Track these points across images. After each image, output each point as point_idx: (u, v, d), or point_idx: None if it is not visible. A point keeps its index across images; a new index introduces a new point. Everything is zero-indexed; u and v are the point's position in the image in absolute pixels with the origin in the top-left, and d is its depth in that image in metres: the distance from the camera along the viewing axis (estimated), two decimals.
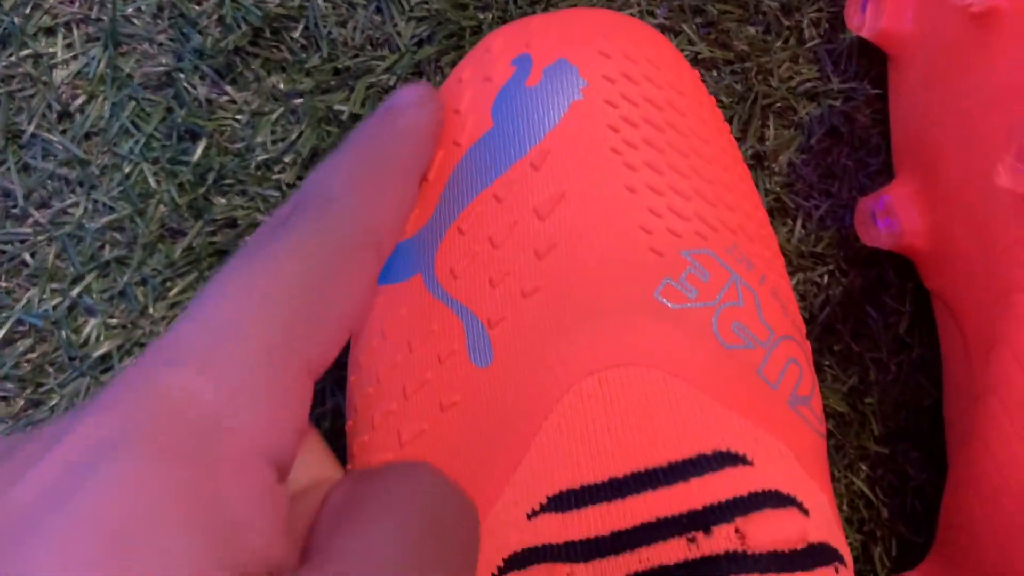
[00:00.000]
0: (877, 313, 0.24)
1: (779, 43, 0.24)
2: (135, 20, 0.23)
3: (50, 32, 0.23)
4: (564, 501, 0.15)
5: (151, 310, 0.23)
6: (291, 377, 0.13)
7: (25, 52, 0.23)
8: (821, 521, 0.16)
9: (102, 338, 0.22)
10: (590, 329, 0.16)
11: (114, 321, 0.23)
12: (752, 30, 0.24)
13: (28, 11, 0.23)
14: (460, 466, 0.16)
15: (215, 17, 0.23)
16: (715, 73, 0.24)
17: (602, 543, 0.15)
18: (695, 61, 0.24)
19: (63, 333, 0.22)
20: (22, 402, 0.22)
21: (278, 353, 0.13)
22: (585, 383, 0.16)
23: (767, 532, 0.15)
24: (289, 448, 0.13)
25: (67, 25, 0.23)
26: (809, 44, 0.24)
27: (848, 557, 0.17)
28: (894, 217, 0.22)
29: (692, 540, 0.15)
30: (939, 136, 0.21)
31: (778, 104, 0.24)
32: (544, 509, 0.15)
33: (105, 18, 0.23)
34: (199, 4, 0.23)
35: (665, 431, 0.15)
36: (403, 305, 0.18)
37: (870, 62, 0.24)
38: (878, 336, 0.24)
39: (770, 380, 0.17)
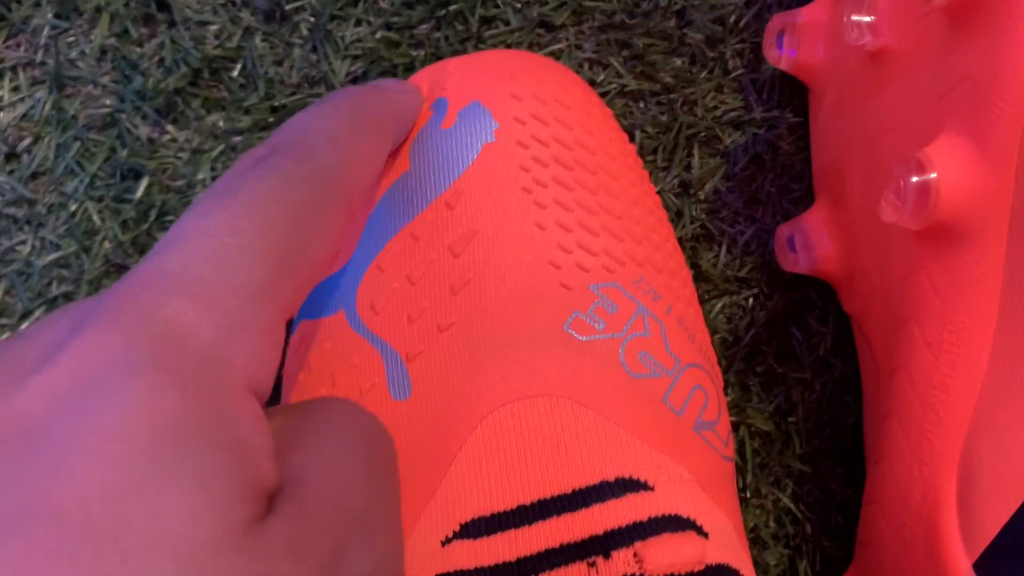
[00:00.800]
0: (801, 334, 0.24)
1: (704, 74, 0.25)
2: (79, 63, 0.24)
3: None
4: (475, 528, 0.16)
5: None
6: (273, 317, 0.14)
7: None
8: (721, 543, 0.17)
9: None
10: (503, 361, 0.17)
11: None
12: (678, 62, 0.25)
13: None
14: None
15: (156, 59, 0.24)
16: (642, 104, 0.25)
17: (508, 569, 0.15)
18: (622, 93, 0.25)
19: None
20: None
21: (262, 293, 0.13)
22: (498, 414, 0.16)
23: (664, 555, 0.15)
24: (268, 385, 0.14)
25: (13, 69, 0.24)
26: (733, 74, 0.25)
27: (750, 573, 0.18)
28: (809, 243, 0.23)
29: (592, 564, 0.15)
30: (846, 162, 0.22)
31: (703, 133, 0.25)
32: (457, 536, 0.16)
33: (50, 61, 0.24)
34: (140, 47, 0.24)
35: (571, 459, 0.16)
36: (327, 339, 0.19)
37: (792, 91, 0.25)
38: (802, 357, 0.24)
39: (675, 407, 0.17)
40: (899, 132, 0.20)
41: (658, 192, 0.24)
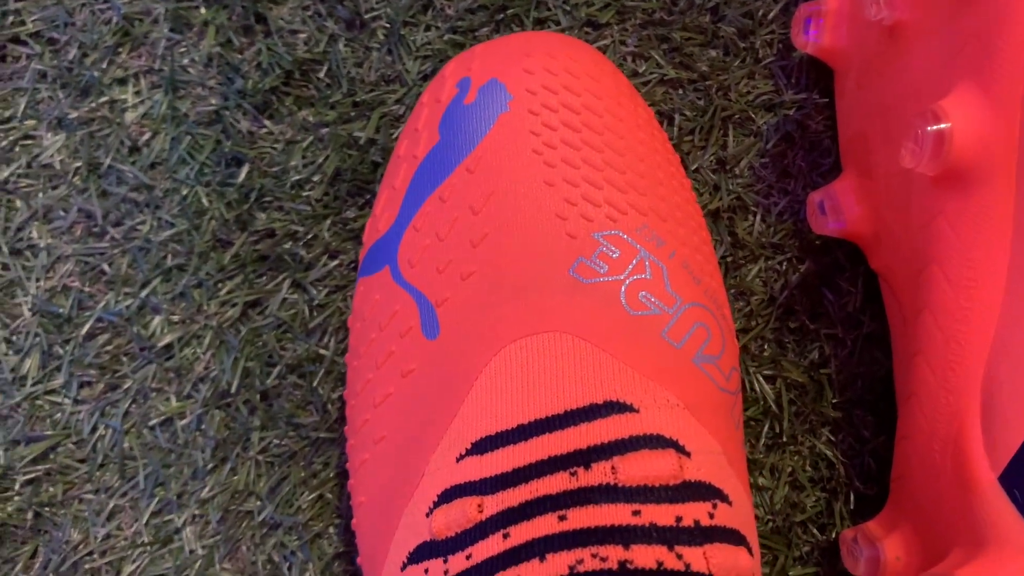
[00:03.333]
0: (832, 295, 0.25)
1: (736, 63, 0.26)
2: (190, 69, 0.26)
3: (122, 82, 0.26)
4: (482, 445, 0.17)
5: (205, 307, 0.25)
6: None
7: (102, 99, 0.26)
8: (704, 463, 0.17)
9: (166, 331, 0.25)
10: (515, 304, 0.18)
11: (175, 317, 0.25)
12: (712, 52, 0.26)
13: (104, 66, 0.26)
14: (415, 421, 0.18)
15: (254, 63, 0.26)
16: (680, 91, 0.26)
17: (505, 478, 0.16)
18: (662, 82, 0.26)
19: (134, 328, 0.25)
20: (101, 386, 0.25)
21: None
22: (509, 349, 0.17)
23: (639, 468, 0.16)
24: None
25: (135, 76, 0.26)
26: (764, 62, 0.26)
27: (740, 498, 0.18)
28: (839, 207, 0.24)
29: (573, 474, 0.16)
30: (870, 131, 0.23)
31: (737, 116, 0.26)
32: (468, 453, 0.17)
33: (166, 68, 0.26)
34: (241, 53, 0.26)
35: (566, 384, 0.17)
36: (376, 292, 0.20)
37: (819, 75, 0.26)
38: (833, 315, 0.25)
39: (674, 341, 0.18)
40: (916, 95, 0.21)
41: (696, 169, 0.25)
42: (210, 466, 0.24)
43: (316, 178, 0.25)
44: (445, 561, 0.16)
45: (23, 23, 0.26)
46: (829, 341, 0.25)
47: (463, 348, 0.18)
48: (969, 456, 0.19)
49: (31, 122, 0.26)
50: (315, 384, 0.24)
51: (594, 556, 0.15)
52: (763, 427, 0.24)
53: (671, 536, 0.16)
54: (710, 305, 0.19)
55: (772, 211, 0.25)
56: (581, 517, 0.16)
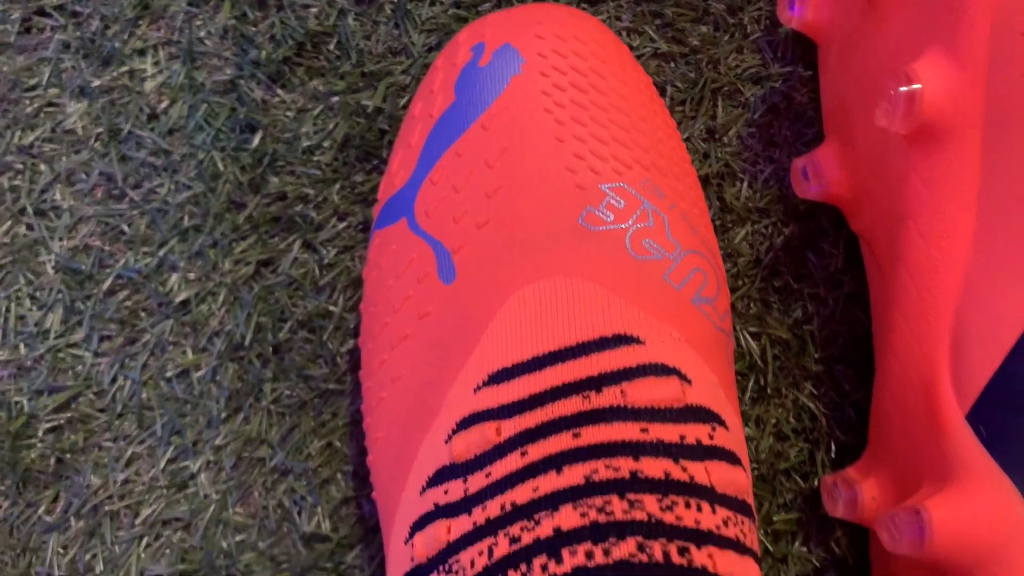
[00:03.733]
0: (815, 257, 0.26)
1: (726, 37, 0.27)
2: (206, 41, 0.27)
3: (142, 52, 0.27)
4: (498, 376, 0.18)
5: (220, 265, 0.26)
6: None
7: (123, 69, 0.27)
8: (704, 391, 0.18)
9: (182, 288, 0.26)
10: (528, 250, 0.19)
11: (192, 275, 0.26)
12: (703, 28, 0.27)
13: (126, 37, 0.27)
14: (432, 360, 0.19)
15: (268, 35, 0.27)
16: (672, 64, 0.27)
17: (522, 403, 0.17)
18: (655, 55, 0.27)
19: (152, 285, 0.26)
20: (121, 339, 0.26)
21: None
22: (523, 290, 0.19)
23: (646, 392, 0.17)
24: None
25: (155, 47, 0.27)
26: (752, 37, 0.27)
27: (735, 426, 0.19)
28: (821, 172, 0.25)
29: (586, 397, 0.17)
30: (850, 99, 0.24)
31: (726, 87, 0.27)
32: (485, 384, 0.18)
33: (183, 40, 0.27)
34: (255, 26, 0.27)
35: (577, 321, 0.18)
36: (393, 242, 0.21)
37: (803, 50, 0.27)
38: (816, 276, 0.26)
39: (675, 283, 0.19)
40: (891, 62, 0.22)
41: (687, 137, 0.27)
42: (224, 415, 0.25)
43: (326, 144, 0.26)
44: (465, 481, 0.17)
45: None
46: (812, 300, 0.26)
47: (478, 291, 0.19)
48: (939, 398, 0.20)
49: (54, 90, 0.27)
50: (324, 338, 0.26)
51: (607, 467, 0.16)
52: (749, 381, 0.26)
53: (676, 451, 0.17)
54: (706, 253, 0.20)
55: (759, 178, 0.26)
56: (594, 434, 0.17)
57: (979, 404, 0.20)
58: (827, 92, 0.26)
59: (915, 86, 0.20)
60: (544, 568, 0.16)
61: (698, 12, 0.27)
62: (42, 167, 0.27)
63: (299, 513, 0.25)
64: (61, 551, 0.25)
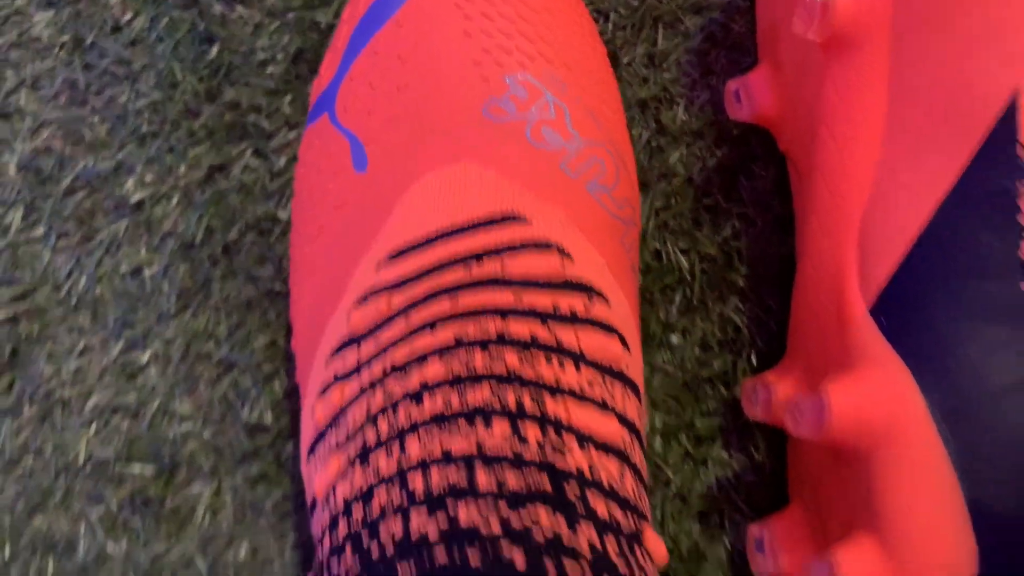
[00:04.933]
0: (746, 179, 0.26)
1: None
2: None
3: None
4: (396, 254, 0.18)
5: (176, 169, 0.26)
6: None
7: None
8: (587, 268, 0.19)
9: (138, 190, 0.26)
10: (433, 139, 0.19)
11: (148, 178, 0.26)
12: None
13: None
14: (345, 248, 0.20)
15: None
16: None
17: (411, 277, 0.18)
18: None
19: (110, 187, 0.26)
20: (78, 237, 0.26)
21: None
22: (426, 177, 0.19)
23: (523, 265, 0.18)
24: None
25: None
26: None
27: (620, 302, 0.19)
28: (751, 94, 0.25)
29: (468, 268, 0.18)
30: (779, 22, 0.24)
31: (667, 16, 0.27)
32: (384, 263, 0.18)
33: None
34: None
35: (470, 203, 0.18)
36: (316, 138, 0.21)
37: None
38: (746, 197, 0.26)
39: (570, 171, 0.19)
40: None
41: (628, 62, 0.27)
42: (174, 311, 0.26)
43: (280, 57, 0.27)
44: (358, 349, 0.18)
45: None
46: (741, 220, 0.26)
47: (387, 180, 0.19)
48: (846, 295, 0.21)
49: (21, 1, 0.27)
50: (272, 241, 0.26)
51: (476, 327, 0.17)
52: (677, 294, 0.26)
53: (546, 317, 0.17)
54: (608, 146, 0.20)
55: (695, 103, 0.27)
56: (470, 300, 0.17)
57: (881, 298, 0.20)
58: (761, 16, 0.26)
59: None
60: (409, 416, 0.16)
61: None
62: (8, 73, 0.27)
63: (242, 405, 0.25)
64: (14, 435, 0.25)
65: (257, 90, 0.26)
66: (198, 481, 0.25)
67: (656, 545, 0.18)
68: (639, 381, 0.19)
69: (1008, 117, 0.19)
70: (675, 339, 0.26)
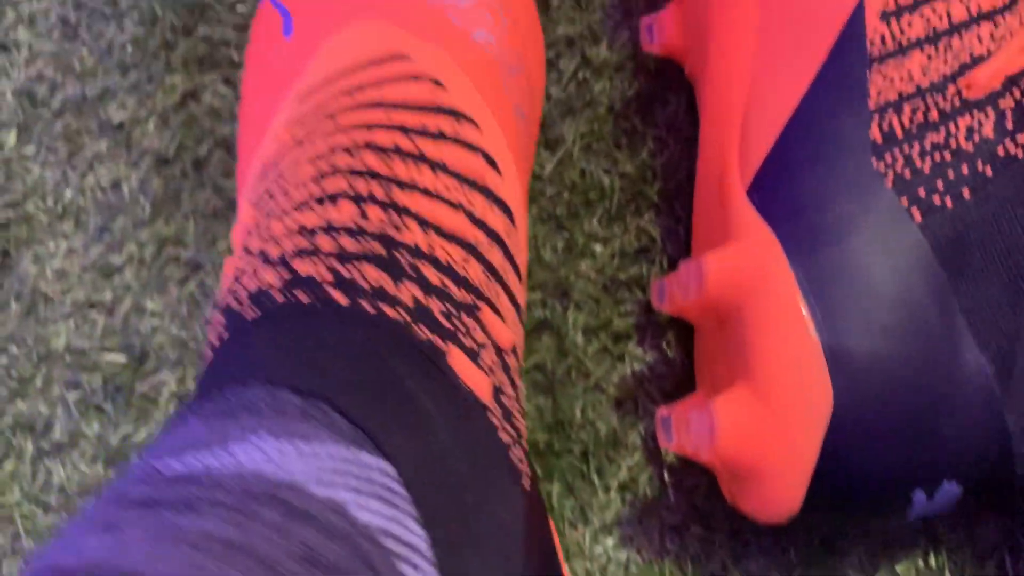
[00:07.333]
0: (660, 107, 0.29)
1: None
2: None
3: None
4: (302, 95, 0.22)
5: (154, 96, 0.29)
6: None
7: None
8: (460, 98, 0.21)
9: (119, 112, 0.29)
10: (341, 2, 0.22)
11: (129, 103, 0.29)
12: None
13: None
14: (277, 92, 0.23)
15: None
16: None
17: (308, 113, 0.21)
18: None
19: (95, 110, 0.29)
20: (65, 153, 0.29)
21: None
22: (339, 33, 0.22)
23: (399, 92, 0.21)
24: None
25: None
26: None
27: (491, 128, 0.22)
28: (662, 28, 0.28)
29: (352, 96, 0.21)
30: None
31: None
32: (295, 99, 0.22)
33: None
34: None
35: (365, 48, 0.21)
36: (260, 16, 0.25)
37: None
38: (660, 121, 0.29)
39: (457, 20, 0.22)
40: None
41: (559, 5, 0.30)
42: (148, 219, 0.28)
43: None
44: (266, 178, 0.21)
45: None
46: (656, 142, 0.29)
47: (306, 41, 0.23)
48: (728, 179, 0.23)
49: None
50: (236, 157, 0.29)
51: (346, 137, 0.20)
52: (598, 208, 0.28)
53: (412, 131, 0.20)
54: (496, 5, 0.23)
55: (617, 40, 0.30)
56: (347, 119, 0.20)
57: (756, 180, 0.23)
58: None
59: None
60: (280, 208, 0.20)
61: None
62: (8, 10, 0.30)
63: (207, 303, 0.28)
64: (1, 327, 0.28)
65: (228, 25, 0.29)
66: (165, 370, 0.28)
67: (497, 326, 0.20)
68: (513, 206, 0.22)
69: (857, 14, 0.22)
70: (597, 248, 0.28)
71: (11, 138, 0.29)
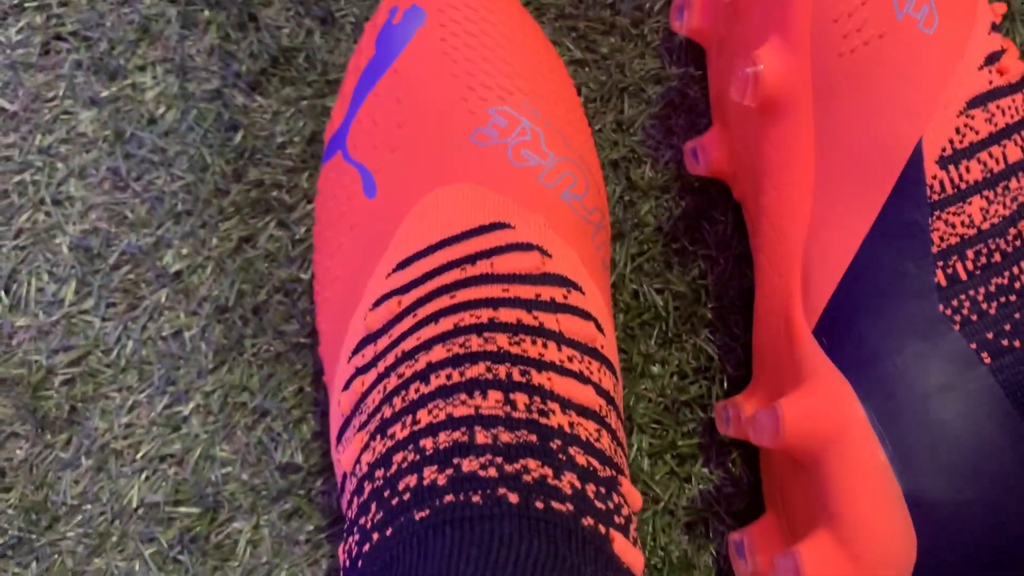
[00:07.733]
0: (708, 224, 0.30)
1: (631, 46, 0.31)
2: (196, 57, 0.31)
3: (142, 68, 0.31)
4: (402, 264, 0.22)
5: (208, 242, 0.29)
6: None
7: (127, 82, 0.31)
8: (564, 264, 0.22)
9: (176, 262, 0.29)
10: (430, 165, 0.23)
11: (184, 251, 0.30)
12: (612, 39, 0.31)
13: (128, 56, 0.31)
14: (360, 261, 0.23)
15: (248, 52, 0.31)
16: (587, 68, 0.31)
17: (417, 280, 0.21)
18: (572, 62, 0.31)
19: (151, 260, 0.29)
20: (124, 306, 0.29)
21: None
22: (426, 197, 0.22)
23: (510, 263, 0.21)
24: None
25: (152, 63, 0.31)
26: (652, 45, 0.31)
27: (593, 293, 0.22)
28: (706, 152, 0.28)
29: (463, 269, 0.21)
30: (723, 84, 0.28)
31: (632, 87, 0.31)
32: (393, 271, 0.22)
33: (177, 57, 0.31)
34: (236, 44, 0.31)
35: (464, 215, 0.22)
36: (332, 172, 0.25)
37: (695, 54, 0.31)
38: (709, 240, 0.29)
39: (547, 183, 0.23)
40: (747, 52, 0.26)
41: (599, 128, 0.30)
42: (211, 367, 0.29)
43: (296, 140, 0.30)
44: (375, 345, 0.21)
45: (63, 24, 0.31)
46: (705, 260, 0.29)
47: (393, 202, 0.23)
48: (793, 320, 0.24)
49: (69, 101, 0.31)
50: (296, 300, 0.29)
51: (471, 316, 0.20)
52: (654, 329, 0.29)
53: (530, 305, 0.21)
54: (578, 161, 0.24)
55: (660, 161, 0.30)
56: (465, 295, 0.21)
57: (822, 320, 0.23)
58: (712, 84, 0.29)
59: (759, 67, 0.23)
60: (417, 391, 0.19)
61: (607, 25, 0.31)
62: (59, 165, 0.30)
63: (275, 448, 0.28)
64: (73, 484, 0.28)
65: (278, 169, 0.30)
66: (238, 518, 0.28)
67: (631, 492, 0.21)
68: (614, 361, 0.22)
69: (915, 161, 0.22)
70: (655, 369, 0.29)
71: (69, 293, 0.29)
